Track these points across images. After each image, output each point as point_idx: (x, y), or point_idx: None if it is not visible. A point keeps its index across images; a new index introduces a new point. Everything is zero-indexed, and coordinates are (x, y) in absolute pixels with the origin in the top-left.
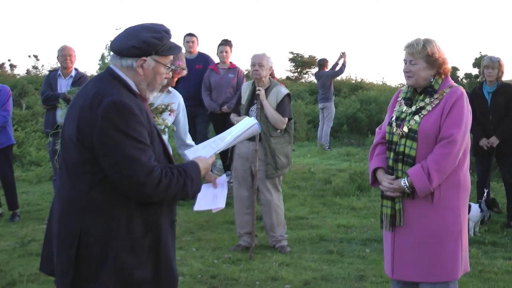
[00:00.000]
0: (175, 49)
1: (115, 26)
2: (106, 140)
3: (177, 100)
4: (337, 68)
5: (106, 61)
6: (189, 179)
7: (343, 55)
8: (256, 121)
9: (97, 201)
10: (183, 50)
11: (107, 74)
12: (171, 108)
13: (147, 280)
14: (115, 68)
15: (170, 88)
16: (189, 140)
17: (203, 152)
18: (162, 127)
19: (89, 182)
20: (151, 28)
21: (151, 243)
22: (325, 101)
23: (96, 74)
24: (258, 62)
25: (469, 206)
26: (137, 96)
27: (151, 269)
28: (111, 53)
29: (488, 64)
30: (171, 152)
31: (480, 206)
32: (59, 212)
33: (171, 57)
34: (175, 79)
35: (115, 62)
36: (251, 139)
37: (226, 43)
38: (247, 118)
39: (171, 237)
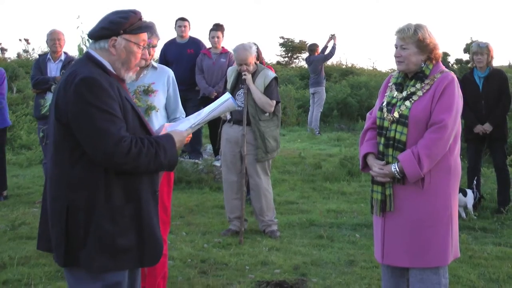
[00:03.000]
0: (145, 28)
1: (76, 15)
2: (77, 114)
3: (166, 74)
4: (327, 51)
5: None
6: (161, 149)
7: (332, 37)
8: (230, 96)
9: (79, 176)
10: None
11: (84, 57)
12: (151, 89)
13: (130, 248)
14: (92, 51)
15: (155, 64)
16: (180, 115)
17: (180, 127)
18: (145, 108)
19: (69, 159)
20: (119, 11)
21: (133, 212)
22: (316, 85)
23: None
24: (244, 62)
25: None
26: (111, 75)
27: (134, 237)
28: (90, 40)
29: (476, 51)
30: (150, 127)
31: (473, 192)
32: (49, 190)
33: (144, 36)
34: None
35: (91, 46)
36: (239, 123)
37: (217, 28)
38: (225, 94)
39: (153, 206)
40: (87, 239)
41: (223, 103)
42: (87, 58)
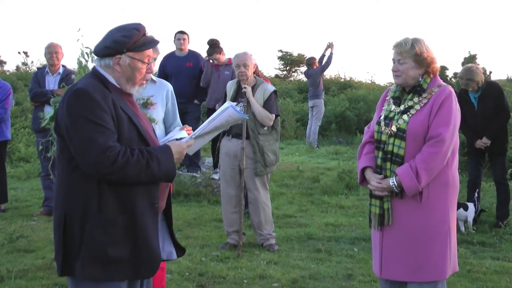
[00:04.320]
0: (149, 44)
1: (77, 28)
2: (68, 124)
3: (165, 88)
4: (324, 60)
5: (87, 63)
6: (154, 160)
7: (330, 45)
8: (231, 104)
9: (75, 185)
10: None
11: (90, 72)
12: (150, 101)
13: (123, 259)
14: (98, 66)
15: (154, 78)
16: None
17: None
18: None
19: (67, 169)
20: (122, 28)
21: (127, 223)
22: (315, 98)
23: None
24: (242, 63)
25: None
26: (113, 89)
27: (128, 248)
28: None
29: (464, 84)
30: (153, 138)
31: (475, 205)
32: (53, 200)
33: (149, 52)
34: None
35: (96, 63)
36: (239, 137)
37: (212, 50)
38: (225, 103)
39: (150, 218)
40: (81, 248)
41: (223, 111)
42: (92, 73)
